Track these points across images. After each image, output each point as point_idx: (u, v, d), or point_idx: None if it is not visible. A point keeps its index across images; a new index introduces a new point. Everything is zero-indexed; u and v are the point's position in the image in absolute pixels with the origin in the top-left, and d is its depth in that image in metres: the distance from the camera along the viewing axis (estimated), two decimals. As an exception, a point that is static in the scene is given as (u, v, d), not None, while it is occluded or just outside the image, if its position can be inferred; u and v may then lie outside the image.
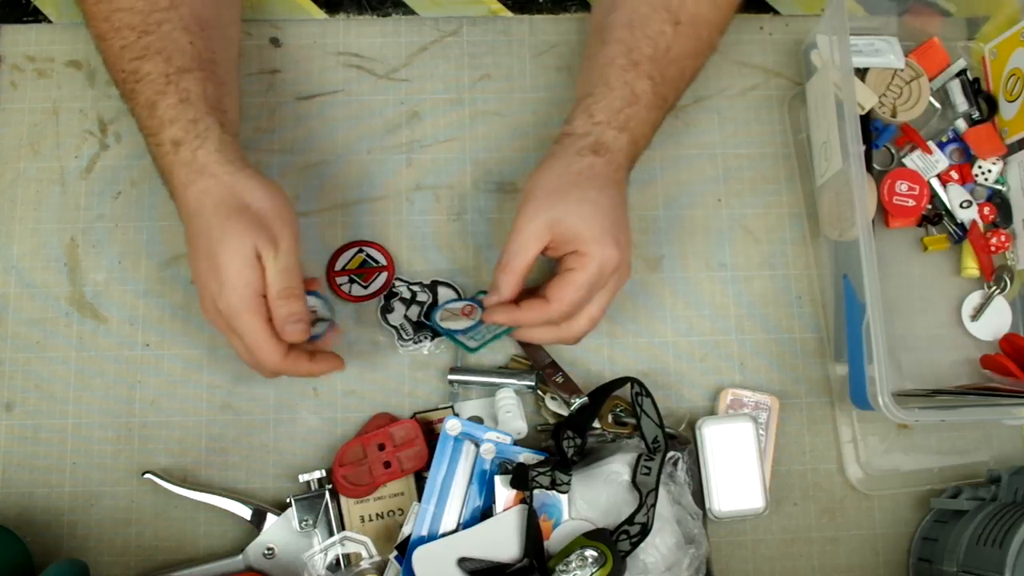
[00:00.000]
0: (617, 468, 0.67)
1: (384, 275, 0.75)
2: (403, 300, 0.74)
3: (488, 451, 0.68)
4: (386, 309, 0.74)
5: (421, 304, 0.74)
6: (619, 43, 0.69)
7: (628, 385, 0.70)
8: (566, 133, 0.68)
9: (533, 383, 0.73)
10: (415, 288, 0.75)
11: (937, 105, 0.81)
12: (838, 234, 0.74)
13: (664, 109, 0.71)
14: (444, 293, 0.75)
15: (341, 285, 0.75)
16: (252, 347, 0.63)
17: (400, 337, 0.74)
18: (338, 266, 0.76)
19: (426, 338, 0.74)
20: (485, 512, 0.67)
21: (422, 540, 0.65)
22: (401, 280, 0.75)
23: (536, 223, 0.65)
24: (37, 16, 0.81)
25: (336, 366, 0.69)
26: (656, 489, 0.66)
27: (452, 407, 0.73)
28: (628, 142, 0.68)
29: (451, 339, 0.72)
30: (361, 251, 0.76)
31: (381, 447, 0.69)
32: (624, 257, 0.66)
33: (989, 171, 0.79)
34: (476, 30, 0.82)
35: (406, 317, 0.74)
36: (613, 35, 0.69)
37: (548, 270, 0.70)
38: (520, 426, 0.70)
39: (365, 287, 0.75)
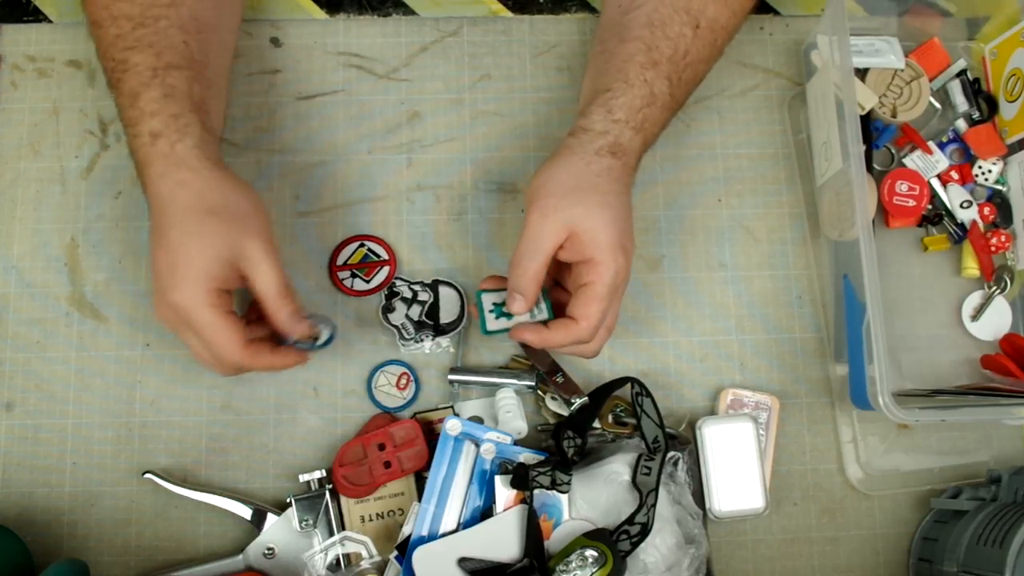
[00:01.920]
0: (617, 468, 0.67)
1: (386, 269, 0.75)
2: (404, 300, 0.74)
3: (488, 451, 0.68)
4: (387, 309, 0.74)
5: (422, 304, 0.74)
6: (639, 41, 0.68)
7: (628, 385, 0.70)
8: (583, 128, 0.67)
9: (533, 383, 0.73)
10: (416, 287, 0.75)
11: (937, 105, 0.81)
12: (838, 234, 0.74)
13: (674, 111, 0.71)
14: (445, 292, 0.75)
15: (343, 280, 0.75)
16: (210, 340, 0.62)
17: (402, 336, 0.74)
18: (340, 261, 0.76)
19: (427, 337, 0.74)
20: (485, 512, 0.67)
21: (422, 540, 0.65)
22: (402, 279, 0.75)
23: (552, 221, 0.64)
24: (37, 16, 0.81)
25: (299, 360, 0.67)
26: (656, 489, 0.66)
27: (452, 407, 0.73)
28: (641, 144, 0.68)
29: (480, 310, 0.69)
30: (363, 245, 0.76)
31: (381, 447, 0.69)
32: (630, 264, 0.66)
33: (989, 171, 0.79)
34: (476, 30, 0.82)
35: (407, 316, 0.74)
36: (633, 33, 0.69)
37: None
38: (520, 426, 0.70)
39: (367, 282, 0.75)
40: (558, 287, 0.71)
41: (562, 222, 0.64)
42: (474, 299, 0.71)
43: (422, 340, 0.74)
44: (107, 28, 0.66)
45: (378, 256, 0.76)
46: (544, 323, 0.67)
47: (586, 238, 0.64)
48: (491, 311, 0.69)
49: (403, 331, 0.74)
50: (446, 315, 0.74)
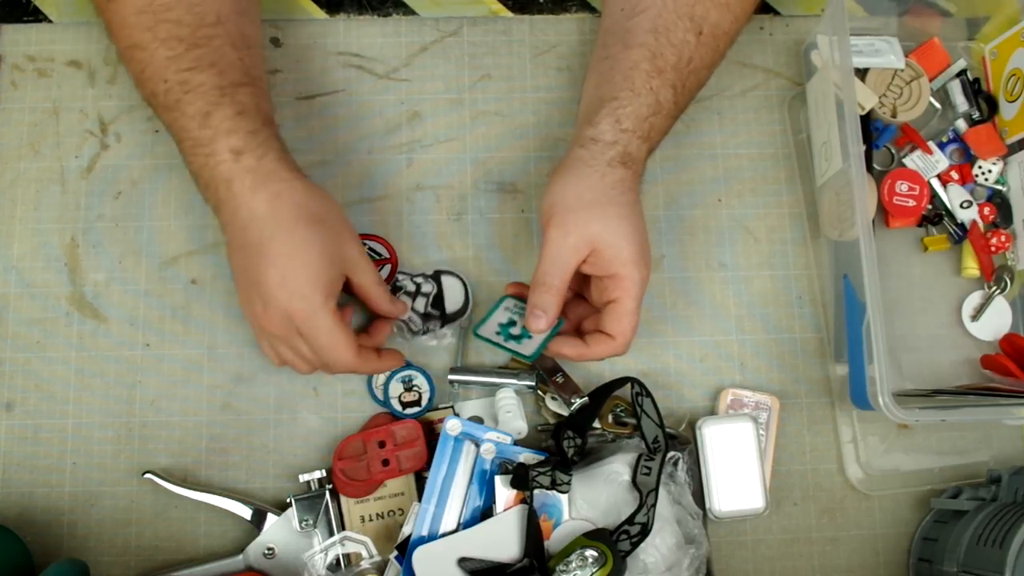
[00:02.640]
0: (617, 468, 0.67)
1: (387, 267, 0.75)
2: (408, 293, 0.74)
3: (488, 451, 0.68)
4: None
5: (427, 295, 0.74)
6: (643, 48, 0.68)
7: (628, 385, 0.70)
8: (592, 138, 0.67)
9: (533, 383, 0.73)
10: (419, 280, 0.75)
11: (937, 105, 0.81)
12: (838, 234, 0.74)
13: (677, 118, 0.71)
14: (448, 282, 0.75)
15: None
16: (329, 345, 0.63)
17: (409, 330, 0.74)
18: None
19: (435, 327, 0.73)
20: (485, 512, 0.67)
21: (422, 540, 0.65)
22: (403, 273, 0.75)
23: (574, 237, 0.64)
24: (37, 16, 0.81)
25: (399, 361, 0.72)
26: (656, 489, 0.66)
27: (452, 407, 0.73)
28: (647, 152, 0.68)
29: (503, 350, 0.69)
30: (363, 244, 0.76)
31: (382, 444, 0.69)
32: (650, 272, 0.67)
33: (989, 171, 0.79)
34: (476, 30, 0.82)
35: (413, 310, 0.74)
36: (637, 39, 0.69)
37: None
38: (520, 426, 0.70)
39: None
40: (579, 299, 0.72)
41: (584, 238, 0.64)
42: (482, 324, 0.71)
43: (430, 330, 0.73)
44: (155, 51, 0.65)
45: (379, 255, 0.76)
46: (581, 337, 0.68)
47: (609, 253, 0.64)
48: (500, 336, 0.69)
49: (410, 325, 0.73)
50: (451, 304, 0.74)
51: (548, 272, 0.65)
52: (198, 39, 0.65)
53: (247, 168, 0.63)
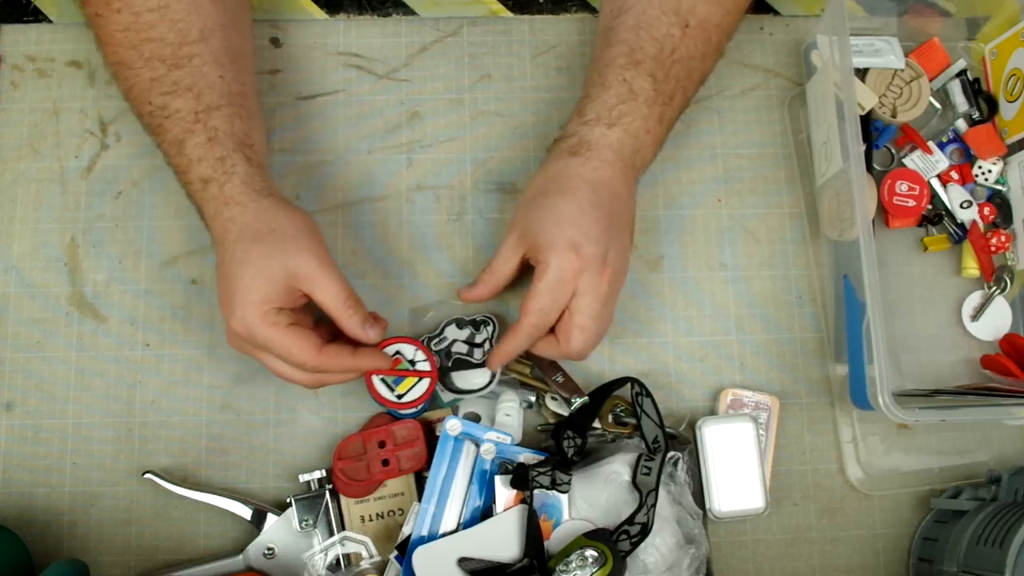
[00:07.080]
0: (617, 468, 0.67)
1: (426, 382, 0.70)
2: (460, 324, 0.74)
3: (488, 451, 0.68)
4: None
5: (468, 343, 0.74)
6: (623, 44, 0.69)
7: (628, 385, 0.70)
8: (556, 139, 0.70)
9: (532, 399, 0.73)
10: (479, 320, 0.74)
11: (937, 105, 0.81)
12: (838, 234, 0.74)
13: (671, 106, 0.70)
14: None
15: None
16: (283, 354, 0.62)
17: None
18: None
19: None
20: (485, 512, 0.67)
21: (422, 540, 0.65)
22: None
23: (513, 234, 0.68)
24: (37, 16, 0.81)
25: (383, 364, 0.67)
26: (656, 489, 0.66)
27: (452, 407, 0.73)
28: (620, 137, 0.67)
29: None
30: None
31: (382, 444, 0.69)
32: (587, 261, 0.64)
33: (989, 171, 0.79)
34: (476, 30, 0.82)
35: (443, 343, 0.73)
36: (618, 37, 0.69)
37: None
38: (514, 431, 0.70)
39: None
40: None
41: (519, 234, 0.67)
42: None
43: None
44: (139, 71, 0.66)
45: (412, 363, 0.71)
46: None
47: (534, 243, 0.66)
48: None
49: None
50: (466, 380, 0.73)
51: (495, 263, 0.69)
52: (179, 59, 0.65)
53: (211, 196, 0.64)
